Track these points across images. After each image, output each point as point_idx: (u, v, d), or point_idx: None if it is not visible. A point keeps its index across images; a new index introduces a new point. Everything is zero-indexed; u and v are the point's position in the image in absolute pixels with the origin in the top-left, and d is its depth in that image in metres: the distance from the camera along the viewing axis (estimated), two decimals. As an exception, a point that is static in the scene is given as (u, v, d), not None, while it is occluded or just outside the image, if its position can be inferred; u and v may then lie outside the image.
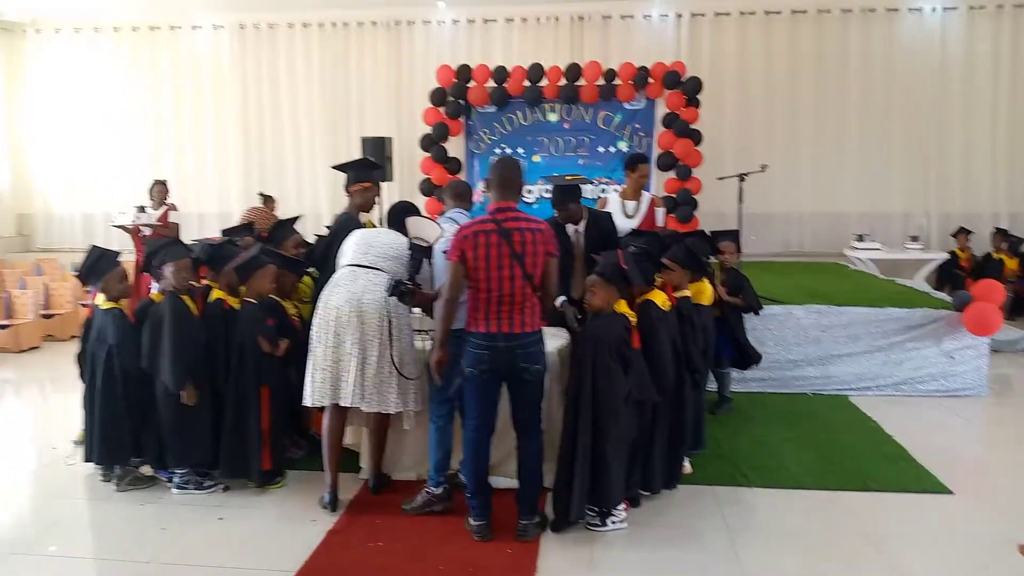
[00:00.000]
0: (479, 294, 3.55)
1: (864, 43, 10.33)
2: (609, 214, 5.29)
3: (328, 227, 5.77)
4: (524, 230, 3.54)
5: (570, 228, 4.96)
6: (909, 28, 10.32)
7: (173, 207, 8.01)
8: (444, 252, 3.91)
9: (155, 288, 4.51)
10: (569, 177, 5.37)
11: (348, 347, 3.93)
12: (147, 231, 7.54)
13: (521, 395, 3.70)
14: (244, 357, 4.26)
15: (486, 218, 3.59)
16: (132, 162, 11.33)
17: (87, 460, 4.43)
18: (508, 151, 9.70)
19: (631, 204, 5.81)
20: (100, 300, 4.38)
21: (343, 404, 3.98)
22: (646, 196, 5.93)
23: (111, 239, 11.08)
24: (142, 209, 7.67)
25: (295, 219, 5.43)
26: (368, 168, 4.91)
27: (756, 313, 5.58)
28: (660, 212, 6.02)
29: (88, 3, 10.67)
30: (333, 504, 4.09)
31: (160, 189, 8.01)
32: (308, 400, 4.03)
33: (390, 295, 3.78)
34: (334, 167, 5.02)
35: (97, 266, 4.38)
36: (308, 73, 11.19)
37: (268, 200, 9.44)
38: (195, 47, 11.37)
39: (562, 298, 3.94)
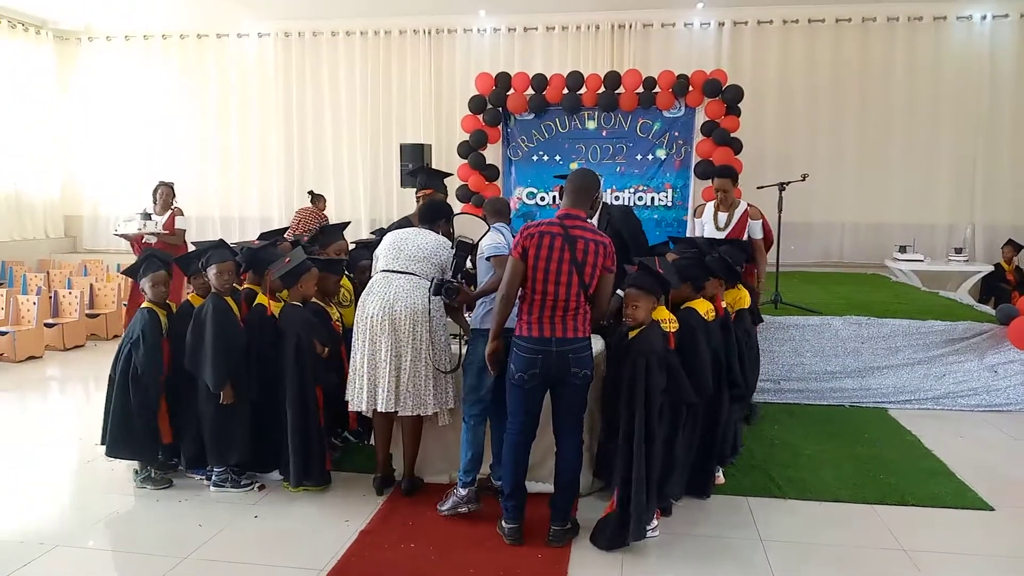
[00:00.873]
0: (534, 296, 3.54)
1: (910, 52, 10.19)
2: (628, 210, 5.27)
3: (373, 232, 5.91)
4: (588, 240, 3.55)
5: None
6: (957, 36, 10.17)
7: (179, 211, 7.51)
8: (488, 259, 3.96)
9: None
10: None
11: (383, 354, 4.05)
12: (152, 239, 7.20)
13: (566, 401, 3.69)
14: (301, 359, 4.30)
15: (553, 220, 3.60)
16: (177, 166, 11.61)
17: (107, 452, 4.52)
18: (546, 158, 9.76)
19: (723, 216, 5.70)
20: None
21: (379, 410, 4.11)
22: (741, 207, 5.66)
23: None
24: (148, 216, 7.33)
25: (344, 225, 5.55)
26: (432, 176, 5.10)
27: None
28: (756, 224, 5.64)
29: (139, 12, 11.00)
30: (380, 488, 4.33)
31: (165, 191, 7.49)
32: (353, 405, 4.20)
33: (434, 294, 3.91)
34: (407, 172, 5.21)
35: (141, 266, 4.52)
36: (350, 80, 11.38)
37: (317, 199, 9.57)
38: (241, 55, 11.65)
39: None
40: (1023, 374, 6.00)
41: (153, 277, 4.48)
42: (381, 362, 4.06)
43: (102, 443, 4.48)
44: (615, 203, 5.74)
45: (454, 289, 3.90)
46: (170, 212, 7.42)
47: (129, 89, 11.85)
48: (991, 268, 9.41)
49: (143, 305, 4.51)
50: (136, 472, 4.52)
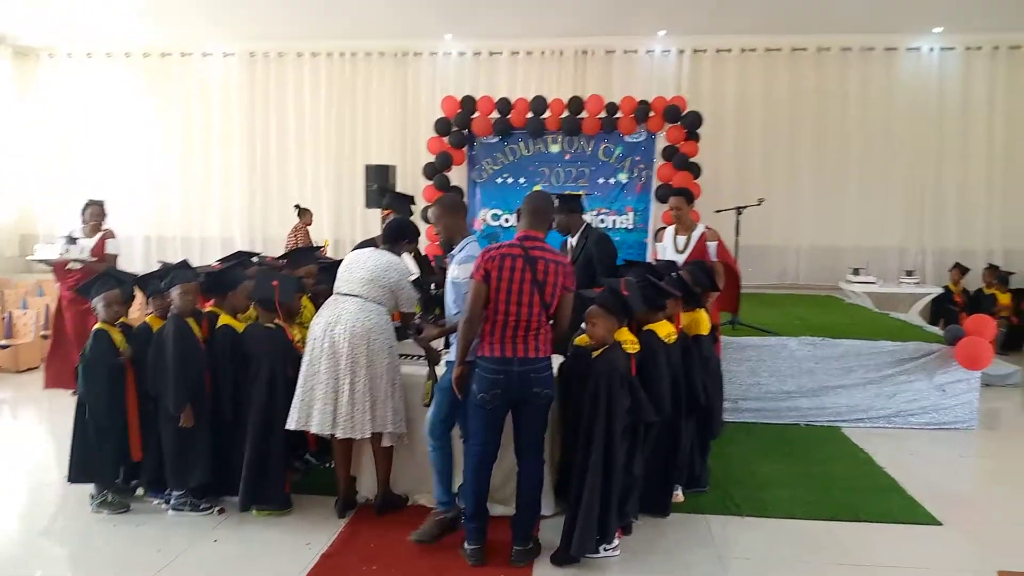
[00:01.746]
0: (496, 316, 3.61)
1: (863, 81, 10.53)
2: (605, 236, 5.39)
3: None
4: (548, 260, 3.64)
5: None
6: (907, 67, 10.53)
7: (110, 234, 6.60)
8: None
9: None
10: (567, 193, 5.47)
11: (322, 375, 4.09)
12: (76, 266, 6.47)
13: (528, 420, 3.74)
14: (271, 382, 4.28)
15: (514, 243, 3.67)
16: (137, 185, 11.51)
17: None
18: (510, 181, 9.86)
19: (681, 239, 5.77)
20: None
21: (313, 431, 4.14)
22: (699, 229, 5.72)
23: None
24: (72, 240, 6.49)
25: (316, 248, 5.57)
26: (396, 199, 5.18)
27: None
28: (712, 246, 5.65)
29: (101, 29, 10.88)
30: (342, 511, 4.32)
31: (95, 211, 6.65)
32: (289, 423, 4.17)
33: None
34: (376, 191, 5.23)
35: (94, 284, 4.46)
36: (315, 101, 11.38)
37: (304, 213, 9.51)
38: (205, 74, 11.58)
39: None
40: (970, 392, 6.20)
41: (107, 296, 4.42)
42: (320, 384, 4.09)
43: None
44: (598, 227, 5.90)
45: (415, 328, 3.94)
46: (100, 235, 6.64)
47: (90, 106, 11.69)
48: (940, 290, 9.71)
49: (96, 326, 4.44)
50: (92, 496, 4.44)
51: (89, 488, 4.48)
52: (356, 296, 4.16)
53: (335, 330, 4.07)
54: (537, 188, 9.75)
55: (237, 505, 4.32)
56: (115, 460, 4.41)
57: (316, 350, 4.11)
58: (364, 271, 4.23)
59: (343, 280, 4.26)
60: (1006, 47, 10.20)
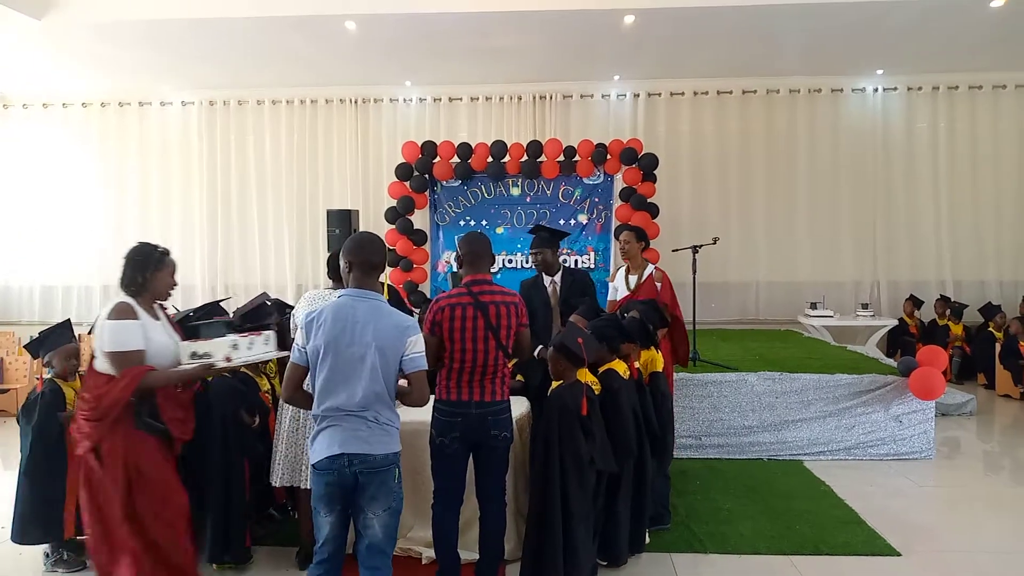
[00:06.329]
0: (452, 363, 3.62)
1: (811, 121, 10.86)
2: (584, 271, 5.46)
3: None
4: (499, 304, 3.66)
5: (547, 279, 5.16)
6: (853, 107, 10.89)
7: None
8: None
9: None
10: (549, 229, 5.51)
11: (286, 425, 4.15)
12: None
13: (488, 464, 3.74)
14: (227, 432, 4.22)
15: (461, 291, 3.69)
16: (96, 235, 11.36)
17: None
18: (473, 223, 9.94)
19: (633, 278, 5.86)
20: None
21: (273, 483, 4.20)
22: (649, 269, 5.83)
23: (69, 311, 11.05)
24: None
25: (265, 300, 5.52)
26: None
27: None
28: (658, 285, 5.72)
29: (58, 80, 10.83)
30: (302, 563, 4.21)
31: None
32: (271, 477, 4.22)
33: None
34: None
35: (48, 339, 4.38)
36: (276, 148, 11.37)
37: None
38: (164, 123, 11.53)
39: (540, 347, 3.97)
40: (926, 423, 6.33)
41: (65, 350, 4.34)
42: (284, 433, 4.13)
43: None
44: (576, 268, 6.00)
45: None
46: None
47: (47, 158, 11.55)
48: (895, 322, 9.96)
49: (47, 378, 4.35)
50: (47, 555, 4.32)
51: (44, 547, 4.36)
52: None
53: None
54: (500, 230, 9.87)
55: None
56: (45, 518, 4.22)
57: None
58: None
59: None
60: (944, 87, 10.64)
